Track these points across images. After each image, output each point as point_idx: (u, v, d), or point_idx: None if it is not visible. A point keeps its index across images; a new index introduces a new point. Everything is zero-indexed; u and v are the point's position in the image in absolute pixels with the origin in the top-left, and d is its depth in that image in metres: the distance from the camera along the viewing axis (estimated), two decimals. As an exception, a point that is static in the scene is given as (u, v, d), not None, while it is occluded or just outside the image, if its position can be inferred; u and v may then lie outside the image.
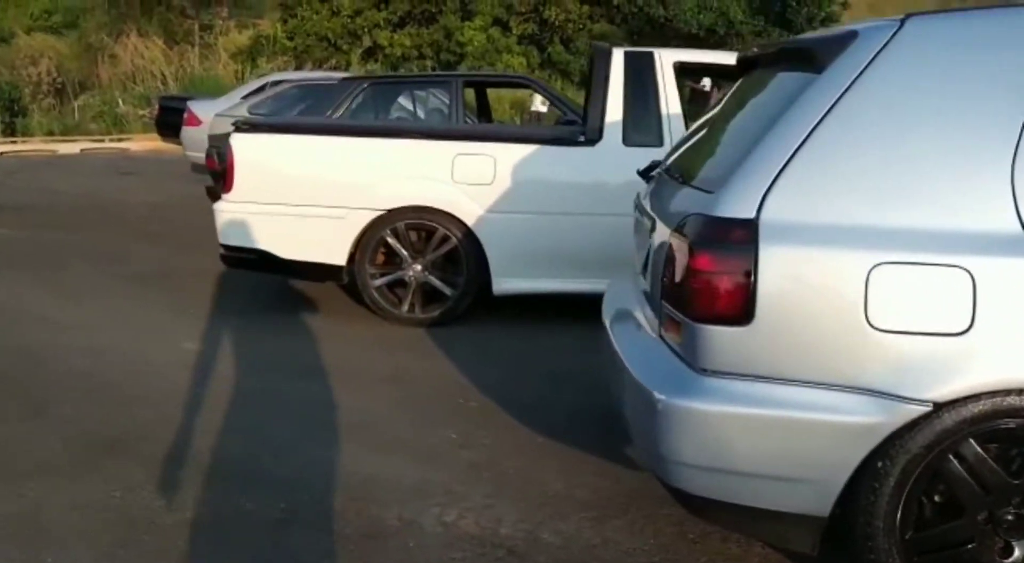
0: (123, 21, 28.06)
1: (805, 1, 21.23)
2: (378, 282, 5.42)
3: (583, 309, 5.60)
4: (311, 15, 28.67)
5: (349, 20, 28.47)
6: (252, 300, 6.09)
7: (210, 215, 9.14)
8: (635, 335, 2.94)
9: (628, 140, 5.19)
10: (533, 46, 27.66)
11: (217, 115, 9.94)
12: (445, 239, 5.32)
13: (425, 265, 5.38)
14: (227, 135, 8.02)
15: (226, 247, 5.55)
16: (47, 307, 5.81)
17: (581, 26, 26.89)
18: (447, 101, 7.66)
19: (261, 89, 11.79)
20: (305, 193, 5.36)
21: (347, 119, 6.84)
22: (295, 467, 3.51)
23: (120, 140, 17.56)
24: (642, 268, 3.01)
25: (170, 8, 28.11)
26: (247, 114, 9.81)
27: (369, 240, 5.35)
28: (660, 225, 2.83)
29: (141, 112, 22.52)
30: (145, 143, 17.17)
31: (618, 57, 5.31)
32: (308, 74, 13.84)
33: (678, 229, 2.55)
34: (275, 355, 4.95)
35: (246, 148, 5.40)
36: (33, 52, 25.76)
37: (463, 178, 5.23)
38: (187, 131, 11.99)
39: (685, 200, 2.68)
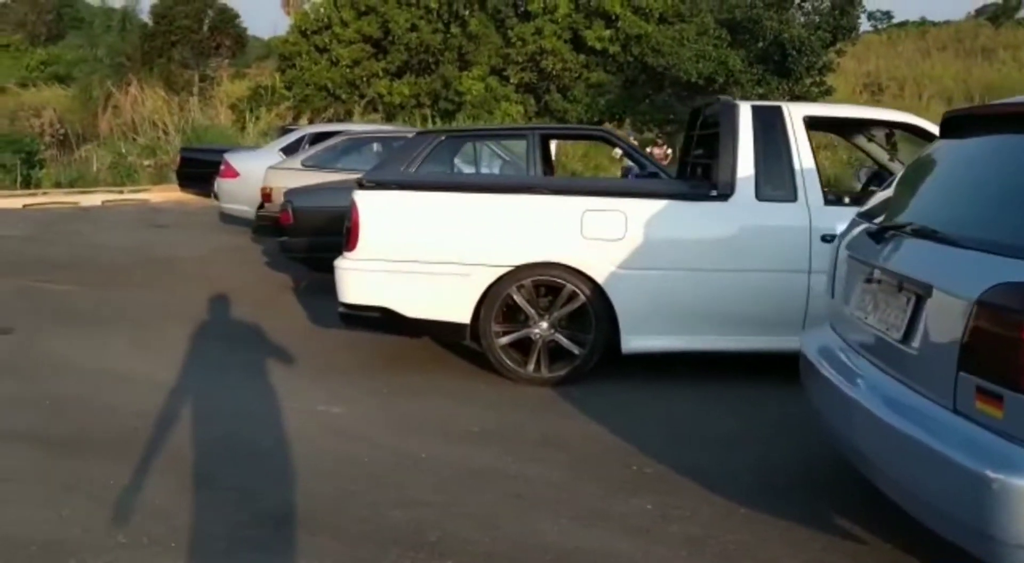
0: (124, 72, 27.88)
1: (805, 51, 21.42)
2: (504, 340, 5.24)
3: (696, 365, 5.50)
4: (310, 65, 28.71)
5: (348, 70, 28.52)
6: (360, 358, 5.89)
7: (273, 269, 9.10)
8: (904, 404, 2.79)
9: (761, 195, 5.09)
10: (530, 94, 27.79)
11: (271, 168, 9.77)
12: (573, 296, 5.16)
13: (552, 323, 5.22)
14: (302, 190, 7.90)
15: (347, 305, 5.37)
16: (157, 370, 5.54)
17: (577, 75, 27.05)
18: (524, 153, 7.56)
19: (299, 141, 11.67)
20: (431, 250, 5.20)
21: (471, 174, 6.70)
22: (507, 542, 3.31)
23: (138, 191, 17.27)
24: (903, 336, 2.87)
25: (171, 59, 27.98)
26: (300, 167, 9.67)
27: (495, 297, 5.19)
28: (939, 292, 2.70)
29: (147, 162, 22.28)
30: (164, 194, 16.91)
31: (745, 112, 5.23)
32: (350, 127, 13.68)
33: (990, 298, 2.42)
34: (415, 417, 4.75)
35: (371, 205, 5.24)
36: (36, 103, 25.51)
37: (593, 234, 5.10)
38: (223, 183, 11.82)
39: (982, 267, 2.54)
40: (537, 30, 26.59)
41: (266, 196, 9.60)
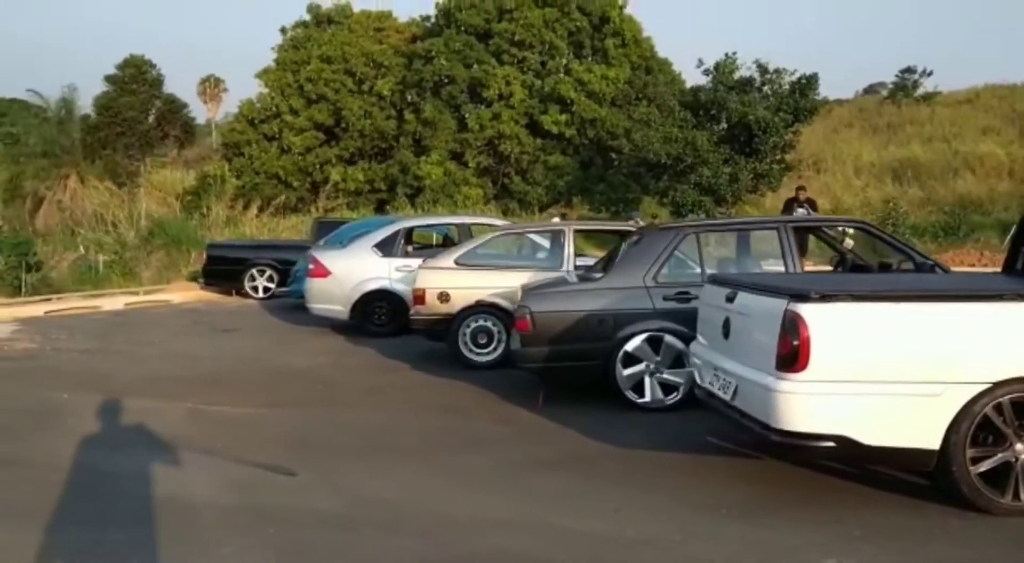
0: (61, 165, 25.65)
1: (770, 131, 21.65)
2: (982, 468, 4.41)
3: None
4: (259, 153, 27.44)
5: (300, 158, 27.40)
6: (737, 492, 4.88)
7: (441, 376, 7.92)
8: None
9: None
10: (487, 178, 27.23)
11: (422, 268, 8.67)
12: (1056, 412, 4.40)
13: (1030, 443, 4.43)
14: (537, 294, 6.86)
15: (790, 433, 4.42)
16: (548, 514, 4.47)
17: (534, 158, 26.69)
18: (776, 245, 6.81)
19: (394, 237, 10.55)
20: (894, 367, 4.33)
21: (930, 279, 5.88)
22: None
23: (152, 292, 15.43)
24: None
25: (115, 151, 25.98)
26: (454, 265, 8.63)
27: (968, 419, 4.36)
28: None
29: (111, 258, 20.30)
30: (183, 293, 15.20)
31: None
32: (443, 220, 12.60)
33: None
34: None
35: (823, 319, 4.34)
36: (-28, 201, 23.20)
37: (1075, 340, 4.37)
38: (313, 282, 10.56)
39: None
40: (495, 115, 26.18)
41: (419, 298, 8.48)
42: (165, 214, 24.15)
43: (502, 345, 8.43)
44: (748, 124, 21.79)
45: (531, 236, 9.55)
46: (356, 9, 29.71)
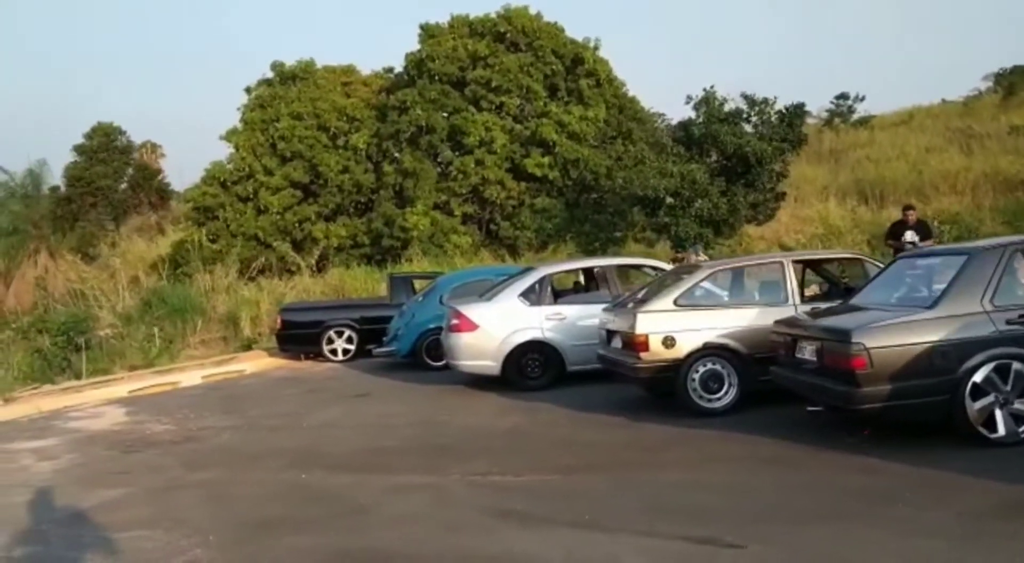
0: (28, 241, 23.45)
1: (765, 161, 21.41)
2: None
3: None
4: (235, 216, 25.76)
5: (278, 217, 25.83)
6: None
7: (695, 428, 6.95)
8: None
9: None
10: (475, 224, 26.23)
11: (641, 312, 7.61)
12: None
13: None
14: (864, 329, 5.94)
15: None
16: None
17: (519, 202, 25.88)
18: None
19: (541, 283, 9.53)
20: None
21: None
22: None
23: (222, 362, 13.73)
24: None
25: (89, 221, 23.81)
26: (674, 306, 7.64)
27: None
28: None
29: (106, 332, 18.39)
30: (256, 362, 13.61)
31: None
32: (622, 260, 11.55)
33: None
34: None
35: None
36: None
37: None
38: (460, 337, 9.41)
39: None
40: (478, 161, 25.29)
41: (641, 345, 7.45)
42: (157, 284, 22.32)
43: (733, 389, 7.52)
44: (745, 155, 21.50)
45: (748, 271, 8.62)
46: (319, 65, 28.47)
